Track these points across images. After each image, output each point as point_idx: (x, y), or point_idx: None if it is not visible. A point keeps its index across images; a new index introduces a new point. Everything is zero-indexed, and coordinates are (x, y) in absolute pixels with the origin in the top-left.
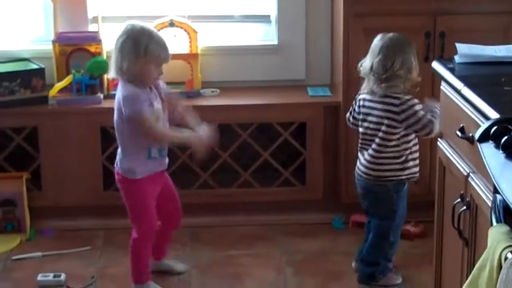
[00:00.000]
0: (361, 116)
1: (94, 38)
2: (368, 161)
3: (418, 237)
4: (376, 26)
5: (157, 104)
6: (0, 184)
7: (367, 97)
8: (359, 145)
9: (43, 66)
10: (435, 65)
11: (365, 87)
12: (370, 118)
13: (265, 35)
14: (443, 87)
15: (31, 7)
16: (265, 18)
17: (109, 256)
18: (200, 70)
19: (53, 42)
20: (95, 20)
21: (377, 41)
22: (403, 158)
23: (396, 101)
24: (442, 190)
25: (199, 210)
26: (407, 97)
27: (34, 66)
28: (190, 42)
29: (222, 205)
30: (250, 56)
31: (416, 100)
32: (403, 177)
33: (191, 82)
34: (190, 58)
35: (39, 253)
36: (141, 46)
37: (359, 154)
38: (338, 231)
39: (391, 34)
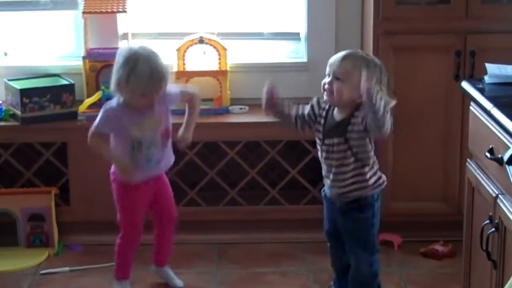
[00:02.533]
0: None
1: None
2: None
3: (447, 257)
4: (405, 44)
5: (142, 125)
6: (29, 198)
7: None
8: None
9: (73, 82)
10: (465, 85)
11: None
12: None
13: (294, 52)
14: (473, 107)
15: (62, 23)
16: (294, 36)
17: (135, 272)
18: (229, 87)
19: (83, 58)
20: (125, 36)
21: None
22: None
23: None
24: (471, 211)
25: (227, 227)
26: None
27: (64, 82)
28: (220, 59)
29: (250, 222)
30: (279, 73)
31: None
32: None
33: (220, 99)
34: (219, 75)
35: (67, 268)
36: (122, 76)
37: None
38: None
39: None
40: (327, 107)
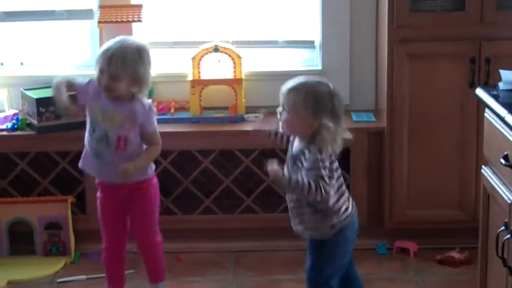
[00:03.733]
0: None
1: None
2: None
3: (463, 264)
4: (420, 51)
5: (105, 111)
6: (45, 207)
7: None
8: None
9: None
10: (479, 92)
11: None
12: None
13: (309, 60)
14: (487, 114)
15: (77, 33)
16: (309, 44)
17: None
18: (244, 95)
19: None
20: None
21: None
22: None
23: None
24: (486, 217)
25: (242, 235)
26: None
27: None
28: (234, 67)
29: (266, 230)
30: None
31: None
32: None
33: (235, 107)
34: (234, 83)
35: (83, 276)
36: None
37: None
38: (382, 257)
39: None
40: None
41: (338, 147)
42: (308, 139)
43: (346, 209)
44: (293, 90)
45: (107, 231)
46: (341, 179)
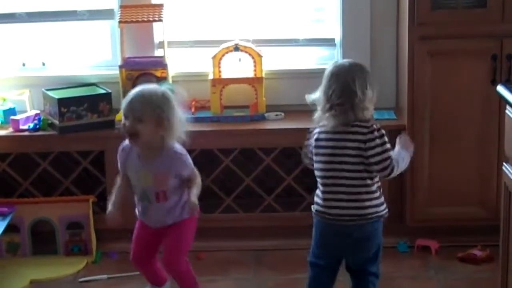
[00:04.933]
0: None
1: (160, 63)
2: (348, 200)
3: (485, 262)
4: (441, 49)
5: (138, 172)
6: (67, 207)
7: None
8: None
9: (110, 90)
10: (500, 89)
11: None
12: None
13: (329, 58)
14: (508, 111)
15: (98, 33)
16: (329, 42)
17: (172, 279)
18: (264, 93)
19: (120, 67)
20: (161, 45)
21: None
22: (379, 193)
23: (364, 130)
24: (507, 215)
25: (263, 234)
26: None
27: (101, 91)
28: (255, 66)
29: (286, 229)
30: (315, 79)
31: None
32: (382, 212)
33: (255, 105)
34: (254, 82)
35: (105, 276)
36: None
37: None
38: (403, 255)
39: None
40: None
41: None
42: None
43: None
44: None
45: (135, 251)
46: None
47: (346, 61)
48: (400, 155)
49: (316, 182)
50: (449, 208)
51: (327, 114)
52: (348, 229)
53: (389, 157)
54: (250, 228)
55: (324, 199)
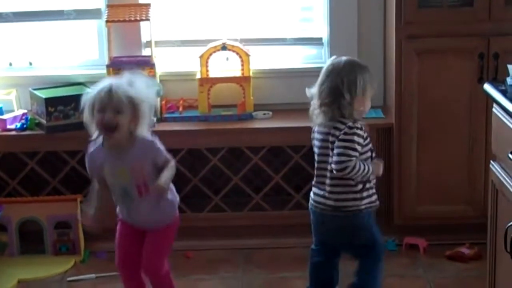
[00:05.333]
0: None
1: (148, 63)
2: (329, 192)
3: (473, 260)
4: (428, 47)
5: (111, 172)
6: (55, 206)
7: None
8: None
9: None
10: (487, 87)
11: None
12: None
13: (317, 57)
14: (495, 109)
15: (85, 32)
16: (317, 41)
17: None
18: (252, 92)
19: (107, 66)
20: (148, 44)
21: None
22: (359, 187)
23: (342, 126)
24: (495, 213)
25: (252, 233)
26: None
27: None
28: (242, 65)
29: (275, 227)
30: (302, 78)
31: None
32: (362, 207)
33: (243, 105)
34: (242, 81)
35: (93, 275)
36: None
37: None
38: (392, 253)
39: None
40: None
41: None
42: None
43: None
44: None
45: (119, 255)
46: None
47: (343, 59)
48: (367, 166)
49: (303, 180)
50: (437, 206)
51: (317, 111)
52: (326, 218)
53: (349, 155)
54: (238, 227)
55: (313, 189)
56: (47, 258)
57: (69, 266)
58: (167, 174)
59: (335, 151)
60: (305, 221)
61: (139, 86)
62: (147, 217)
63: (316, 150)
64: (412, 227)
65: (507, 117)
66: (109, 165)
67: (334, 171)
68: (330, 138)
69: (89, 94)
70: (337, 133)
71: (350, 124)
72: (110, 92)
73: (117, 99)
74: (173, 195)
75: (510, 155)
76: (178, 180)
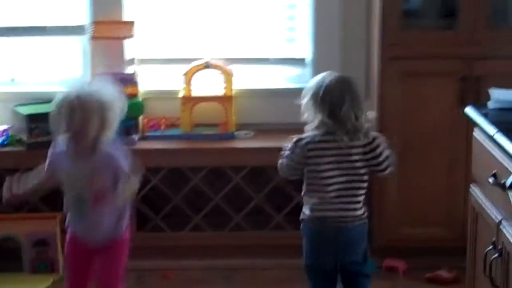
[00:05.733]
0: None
1: (131, 80)
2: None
3: (452, 283)
4: (410, 69)
5: (72, 171)
6: (34, 224)
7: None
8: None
9: None
10: (468, 110)
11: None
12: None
13: (300, 77)
14: (476, 133)
15: (68, 49)
16: (300, 61)
17: None
18: (235, 112)
19: None
20: (131, 62)
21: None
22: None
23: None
24: (474, 236)
25: (232, 253)
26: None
27: None
28: (226, 84)
29: (255, 248)
30: (285, 98)
31: None
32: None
33: (225, 124)
34: (224, 100)
35: None
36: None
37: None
38: (371, 275)
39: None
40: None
41: None
42: None
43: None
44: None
45: (68, 274)
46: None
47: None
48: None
49: (285, 201)
50: (417, 229)
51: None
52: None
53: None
54: (219, 247)
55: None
56: (25, 276)
57: (47, 285)
58: (122, 186)
59: None
60: (286, 242)
61: (109, 95)
62: (97, 227)
63: None
64: (392, 249)
65: (488, 140)
66: (69, 170)
67: None
68: None
69: (60, 98)
70: None
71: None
72: (79, 97)
73: (88, 105)
74: (125, 212)
75: (490, 179)
76: (159, 198)
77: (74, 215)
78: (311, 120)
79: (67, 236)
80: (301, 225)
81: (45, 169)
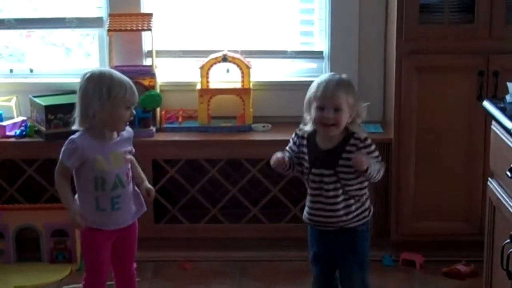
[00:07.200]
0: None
1: (148, 72)
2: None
3: (469, 277)
4: (428, 64)
5: (107, 156)
6: (52, 214)
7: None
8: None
9: None
10: (486, 104)
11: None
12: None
13: (317, 71)
14: (494, 126)
15: (86, 41)
16: (317, 54)
17: None
18: (252, 105)
19: None
20: (149, 54)
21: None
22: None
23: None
24: (492, 230)
25: (249, 245)
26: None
27: None
28: (243, 77)
29: (272, 240)
30: (302, 91)
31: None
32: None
33: (242, 116)
34: (242, 93)
35: None
36: (103, 89)
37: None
38: (388, 268)
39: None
40: (306, 135)
41: None
42: (342, 137)
43: (367, 209)
44: (339, 85)
45: (100, 268)
46: None
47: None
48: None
49: (301, 192)
50: (434, 223)
51: None
52: None
53: None
54: (235, 239)
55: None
56: (43, 265)
57: (65, 274)
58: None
59: None
60: (302, 234)
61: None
62: (129, 210)
63: None
64: (409, 243)
65: (506, 134)
66: (102, 151)
67: None
68: None
69: (116, 82)
70: None
71: None
72: (132, 88)
73: (136, 95)
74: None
75: (508, 173)
76: (176, 190)
77: (107, 203)
78: (306, 122)
79: (85, 230)
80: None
81: (69, 166)
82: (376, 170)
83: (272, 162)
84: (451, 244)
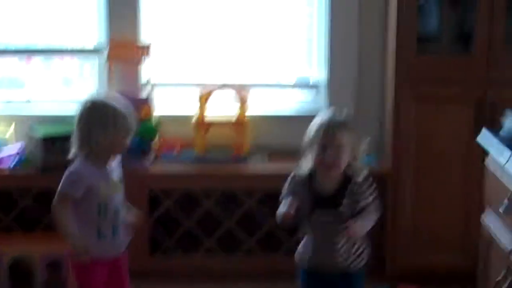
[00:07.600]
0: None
1: (146, 102)
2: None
3: None
4: (426, 94)
5: (109, 182)
6: (48, 244)
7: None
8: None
9: None
10: (480, 139)
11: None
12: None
13: (315, 102)
14: (488, 161)
15: (83, 70)
16: (314, 86)
17: None
18: (248, 135)
19: None
20: (146, 84)
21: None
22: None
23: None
24: (487, 263)
25: (244, 276)
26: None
27: None
28: (240, 107)
29: (268, 272)
30: (299, 122)
31: None
32: None
33: (239, 147)
34: (238, 126)
35: None
36: (108, 117)
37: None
38: None
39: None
40: (302, 180)
41: None
42: (343, 177)
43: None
44: (342, 126)
45: None
46: None
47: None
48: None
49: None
50: (431, 255)
51: None
52: None
53: None
54: (231, 271)
55: None
56: None
57: None
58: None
59: None
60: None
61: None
62: (124, 231)
63: None
64: (405, 275)
65: (499, 170)
66: (103, 178)
67: None
68: None
69: (120, 111)
70: None
71: None
72: (132, 116)
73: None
74: None
75: (500, 209)
76: (171, 221)
77: (108, 231)
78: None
79: (80, 265)
80: None
81: (74, 192)
82: (370, 225)
83: (279, 219)
84: (447, 276)
